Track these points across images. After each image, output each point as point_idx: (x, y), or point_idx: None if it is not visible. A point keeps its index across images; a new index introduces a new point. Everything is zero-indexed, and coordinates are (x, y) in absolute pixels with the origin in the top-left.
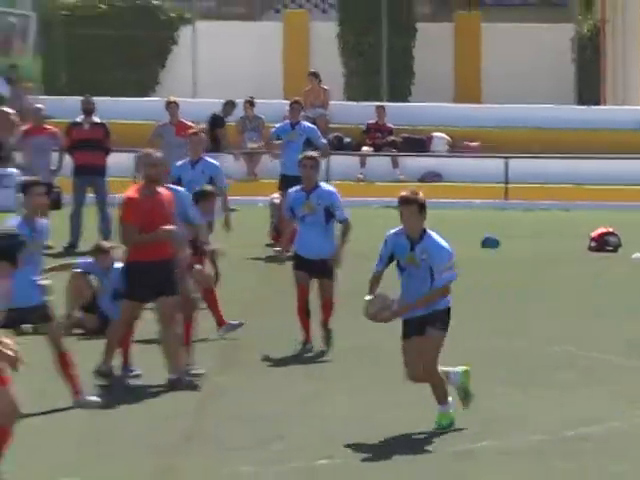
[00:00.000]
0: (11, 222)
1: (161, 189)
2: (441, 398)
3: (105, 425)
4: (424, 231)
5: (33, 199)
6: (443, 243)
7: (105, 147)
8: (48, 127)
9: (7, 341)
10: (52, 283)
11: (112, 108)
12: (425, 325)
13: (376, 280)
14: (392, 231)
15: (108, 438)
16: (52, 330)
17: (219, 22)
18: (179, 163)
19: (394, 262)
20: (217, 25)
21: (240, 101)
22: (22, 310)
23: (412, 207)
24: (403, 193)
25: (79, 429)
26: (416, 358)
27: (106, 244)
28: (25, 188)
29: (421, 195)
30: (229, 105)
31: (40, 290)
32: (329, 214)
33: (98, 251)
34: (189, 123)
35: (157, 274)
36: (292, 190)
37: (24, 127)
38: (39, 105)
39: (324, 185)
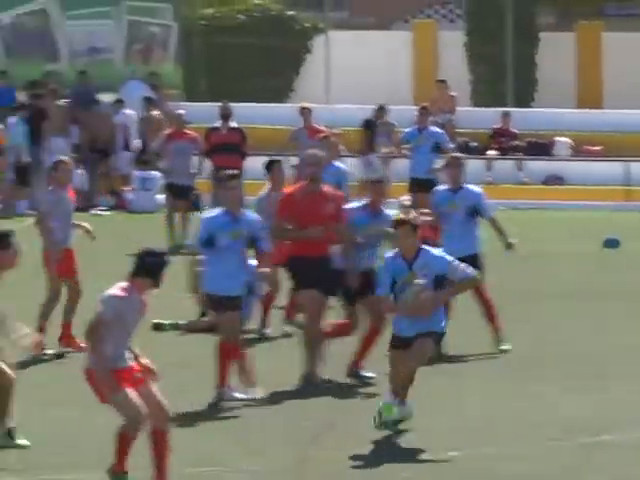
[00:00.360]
0: (211, 213)
1: (323, 188)
2: (402, 395)
3: (247, 418)
4: (419, 249)
5: (229, 193)
6: (438, 252)
7: (241, 151)
8: (188, 132)
9: (23, 331)
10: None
11: (249, 114)
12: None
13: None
14: (388, 254)
15: (248, 430)
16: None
17: (351, 32)
18: None
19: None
20: (349, 35)
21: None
22: (223, 298)
23: (406, 228)
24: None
25: (221, 421)
26: (401, 367)
27: None
28: (220, 182)
29: (413, 216)
30: (380, 110)
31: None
32: (473, 213)
33: None
34: (320, 127)
35: (315, 270)
36: (439, 189)
37: (166, 132)
38: (180, 111)
39: (470, 186)
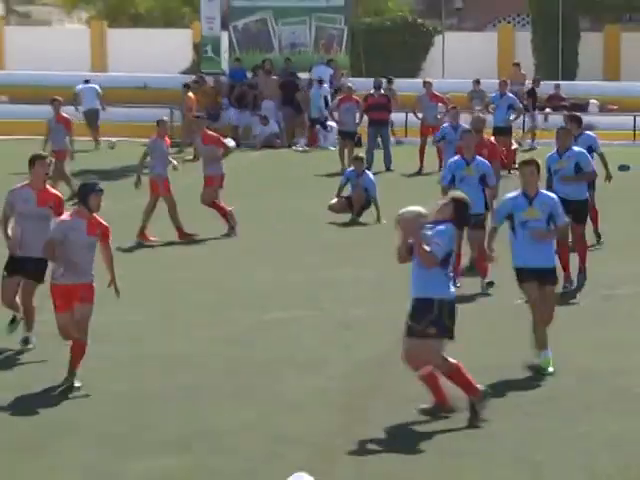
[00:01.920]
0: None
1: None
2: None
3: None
4: (538, 189)
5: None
6: (553, 195)
7: (388, 109)
8: (354, 97)
9: None
10: None
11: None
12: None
13: (495, 232)
14: (509, 195)
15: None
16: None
17: (458, 33)
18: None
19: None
20: (457, 35)
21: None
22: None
23: (532, 167)
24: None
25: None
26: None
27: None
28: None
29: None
30: (476, 82)
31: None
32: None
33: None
34: (438, 94)
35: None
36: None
37: (339, 97)
38: (349, 83)
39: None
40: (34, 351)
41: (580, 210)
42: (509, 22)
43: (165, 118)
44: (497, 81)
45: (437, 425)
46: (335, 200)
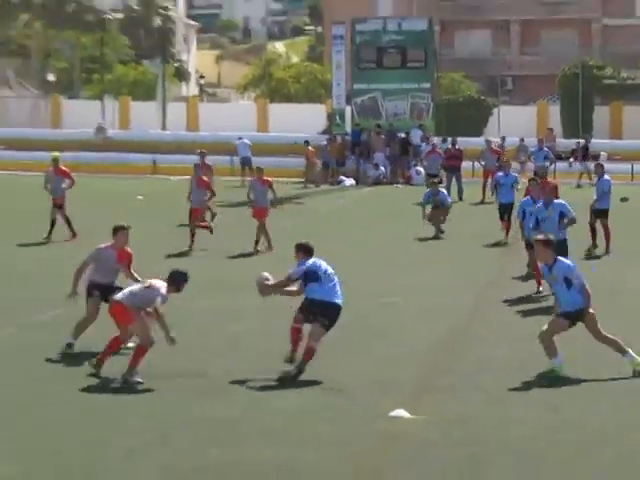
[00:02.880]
0: None
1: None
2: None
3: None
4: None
5: None
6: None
7: (460, 158)
8: (437, 150)
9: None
10: None
11: (463, 141)
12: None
13: None
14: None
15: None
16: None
17: (509, 106)
18: None
19: None
20: (508, 107)
21: None
22: None
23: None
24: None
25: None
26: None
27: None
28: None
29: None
30: (521, 140)
31: None
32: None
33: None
34: (496, 148)
35: None
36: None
37: (427, 150)
38: (434, 141)
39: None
40: None
41: (561, 248)
42: (544, 99)
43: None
44: (536, 139)
45: None
46: (428, 212)
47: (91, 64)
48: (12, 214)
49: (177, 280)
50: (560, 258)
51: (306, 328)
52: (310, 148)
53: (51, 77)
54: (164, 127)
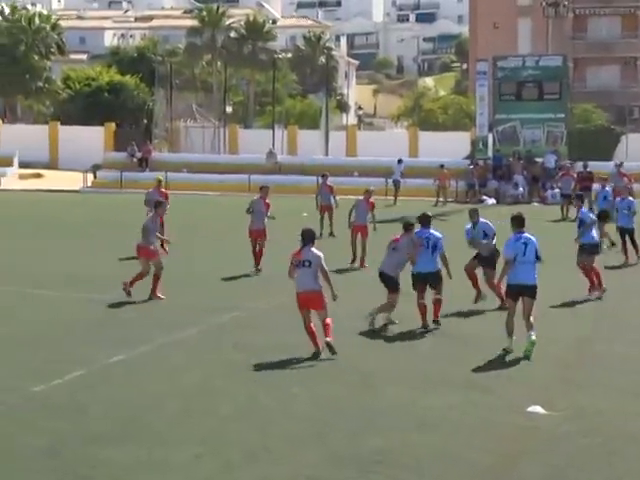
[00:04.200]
0: None
1: None
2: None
3: None
4: None
5: None
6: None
7: (592, 179)
8: (570, 172)
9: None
10: None
11: (594, 164)
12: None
13: None
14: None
15: None
16: None
17: (636, 134)
18: None
19: None
20: (635, 135)
21: None
22: None
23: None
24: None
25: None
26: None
27: None
28: None
29: None
30: None
31: None
32: None
33: None
34: (624, 171)
35: None
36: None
37: (561, 172)
38: (567, 165)
39: None
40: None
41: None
42: None
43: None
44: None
45: None
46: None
47: (264, 97)
48: (190, 228)
49: (305, 237)
50: None
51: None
52: (445, 171)
53: (229, 109)
54: (327, 153)
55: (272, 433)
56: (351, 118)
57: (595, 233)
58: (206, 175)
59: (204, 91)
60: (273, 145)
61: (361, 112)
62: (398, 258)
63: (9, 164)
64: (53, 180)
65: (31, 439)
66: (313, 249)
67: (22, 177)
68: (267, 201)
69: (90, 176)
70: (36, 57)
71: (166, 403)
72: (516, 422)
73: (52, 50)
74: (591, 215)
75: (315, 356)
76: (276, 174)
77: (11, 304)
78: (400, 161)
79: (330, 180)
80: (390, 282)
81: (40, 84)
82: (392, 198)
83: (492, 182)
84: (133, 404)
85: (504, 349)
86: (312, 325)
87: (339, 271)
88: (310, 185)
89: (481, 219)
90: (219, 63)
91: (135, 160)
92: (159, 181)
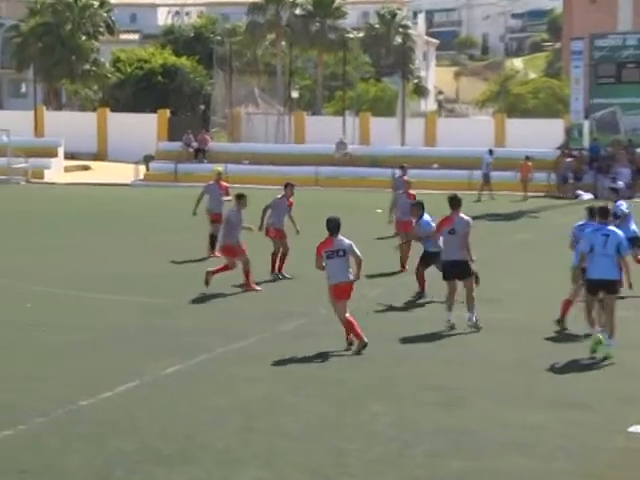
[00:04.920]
0: None
1: None
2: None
3: None
4: None
5: None
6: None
7: None
8: None
9: None
10: None
11: None
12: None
13: None
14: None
15: None
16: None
17: None
18: None
19: None
20: None
21: None
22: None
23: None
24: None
25: None
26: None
27: None
28: None
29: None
30: None
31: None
32: None
33: None
34: None
35: None
36: None
37: None
38: None
39: None
40: None
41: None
42: None
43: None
44: None
45: None
46: None
47: (333, 81)
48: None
49: (331, 226)
50: None
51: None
52: (529, 163)
53: (295, 94)
54: (403, 143)
55: (345, 454)
56: (430, 104)
57: None
58: (269, 167)
59: (267, 74)
60: (343, 134)
61: (441, 97)
62: (459, 240)
63: (53, 155)
64: (101, 173)
65: (81, 457)
66: (342, 238)
67: (68, 169)
68: (291, 200)
69: (142, 168)
70: (83, 37)
71: (227, 419)
72: (617, 444)
73: (100, 30)
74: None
75: (364, 346)
76: (346, 166)
77: (56, 308)
78: (491, 152)
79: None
80: (466, 268)
81: (87, 67)
82: (482, 193)
83: (588, 175)
84: (190, 420)
85: (593, 343)
86: (349, 315)
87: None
88: (384, 178)
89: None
90: (284, 43)
91: (191, 150)
92: (219, 174)
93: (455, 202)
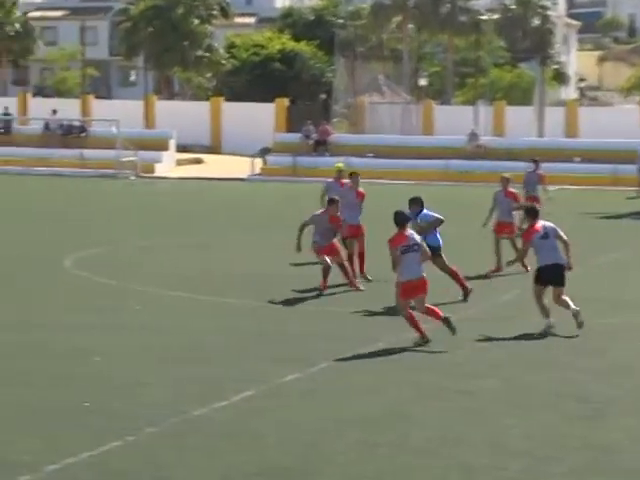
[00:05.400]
0: None
1: None
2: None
3: None
4: None
5: None
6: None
7: None
8: None
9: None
10: None
11: None
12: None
13: None
14: None
15: None
16: None
17: None
18: None
19: None
20: None
21: None
22: None
23: None
24: None
25: None
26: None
27: None
28: None
29: None
30: None
31: None
32: None
33: None
34: None
35: None
36: None
37: None
38: None
39: None
40: None
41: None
42: None
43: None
44: None
45: None
46: None
47: (464, 68)
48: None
49: (400, 220)
50: None
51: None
52: None
53: (423, 82)
54: (541, 134)
55: (474, 471)
56: (571, 92)
57: None
58: (395, 160)
59: (393, 60)
60: (476, 124)
61: (583, 84)
62: (555, 243)
63: (164, 147)
64: (215, 166)
65: (194, 471)
66: (412, 231)
67: (180, 163)
68: (360, 190)
69: (258, 161)
70: (195, 21)
71: (348, 431)
72: None
73: (214, 13)
74: None
75: (425, 342)
76: (479, 159)
77: (166, 311)
78: None
79: (543, 167)
80: (563, 272)
81: (200, 53)
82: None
83: None
84: (311, 431)
85: None
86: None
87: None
88: (520, 172)
89: None
90: (411, 26)
91: (311, 142)
92: (339, 170)
93: (534, 212)
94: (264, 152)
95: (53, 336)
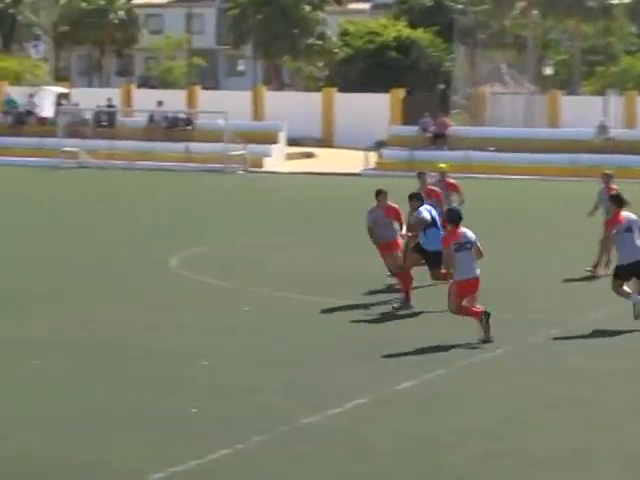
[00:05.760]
0: None
1: None
2: None
3: None
4: None
5: None
6: None
7: None
8: None
9: None
10: None
11: None
12: None
13: None
14: None
15: None
16: None
17: None
18: None
19: None
20: None
21: None
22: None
23: None
24: None
25: None
26: None
27: None
28: None
29: None
30: None
31: None
32: None
33: None
34: None
35: None
36: None
37: None
38: None
39: None
40: None
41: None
42: None
43: None
44: None
45: None
46: None
47: (593, 55)
48: (502, 221)
49: (454, 217)
50: None
51: None
52: None
53: (548, 71)
54: None
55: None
56: None
57: None
58: (519, 154)
59: (516, 48)
60: (605, 116)
61: None
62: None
63: (274, 141)
64: (327, 160)
65: None
66: (466, 229)
67: (290, 157)
68: (393, 205)
69: (373, 155)
70: (307, 7)
71: (467, 441)
72: None
73: None
74: None
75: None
76: (608, 153)
77: (275, 313)
78: None
79: None
80: None
81: (311, 41)
82: None
83: None
84: (426, 440)
85: None
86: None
87: None
88: None
89: None
90: (535, 12)
91: (429, 135)
92: (442, 172)
93: (618, 201)
94: (379, 145)
95: (162, 337)
